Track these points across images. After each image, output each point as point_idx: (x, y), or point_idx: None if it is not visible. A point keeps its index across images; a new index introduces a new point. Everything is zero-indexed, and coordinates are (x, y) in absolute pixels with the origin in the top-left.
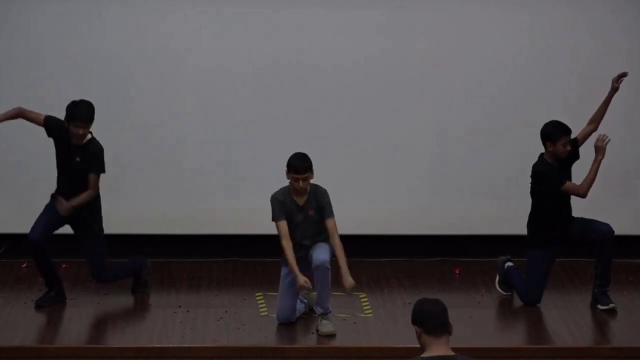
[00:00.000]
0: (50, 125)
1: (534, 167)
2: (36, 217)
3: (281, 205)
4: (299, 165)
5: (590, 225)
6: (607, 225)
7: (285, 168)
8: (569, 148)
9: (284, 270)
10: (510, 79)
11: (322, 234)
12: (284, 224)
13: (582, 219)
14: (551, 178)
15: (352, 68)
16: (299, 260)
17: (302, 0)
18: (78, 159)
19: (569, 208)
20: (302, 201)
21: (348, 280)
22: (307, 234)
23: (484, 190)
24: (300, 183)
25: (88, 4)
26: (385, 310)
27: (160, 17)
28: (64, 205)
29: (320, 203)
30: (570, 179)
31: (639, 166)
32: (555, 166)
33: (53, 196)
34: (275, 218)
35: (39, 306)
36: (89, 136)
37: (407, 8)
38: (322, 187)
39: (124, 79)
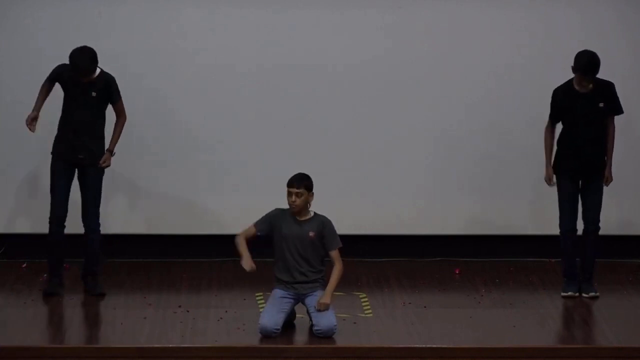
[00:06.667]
0: (59, 79)
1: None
2: (36, 217)
3: (272, 218)
4: (293, 178)
5: (589, 210)
6: (596, 221)
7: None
8: (584, 89)
9: (278, 293)
10: (510, 79)
11: (313, 266)
12: (253, 230)
13: (595, 195)
14: (551, 104)
15: (352, 68)
16: (280, 282)
17: (302, 1)
18: (94, 93)
19: (586, 146)
20: (302, 218)
21: (325, 300)
22: (299, 252)
23: (484, 190)
24: (293, 197)
25: (88, 4)
26: (385, 310)
27: (160, 17)
28: (108, 157)
29: (323, 232)
30: (592, 118)
31: (639, 166)
32: (575, 94)
33: (61, 160)
34: (255, 222)
35: (50, 294)
36: (98, 70)
37: (407, 8)
38: (327, 218)
39: (124, 79)
